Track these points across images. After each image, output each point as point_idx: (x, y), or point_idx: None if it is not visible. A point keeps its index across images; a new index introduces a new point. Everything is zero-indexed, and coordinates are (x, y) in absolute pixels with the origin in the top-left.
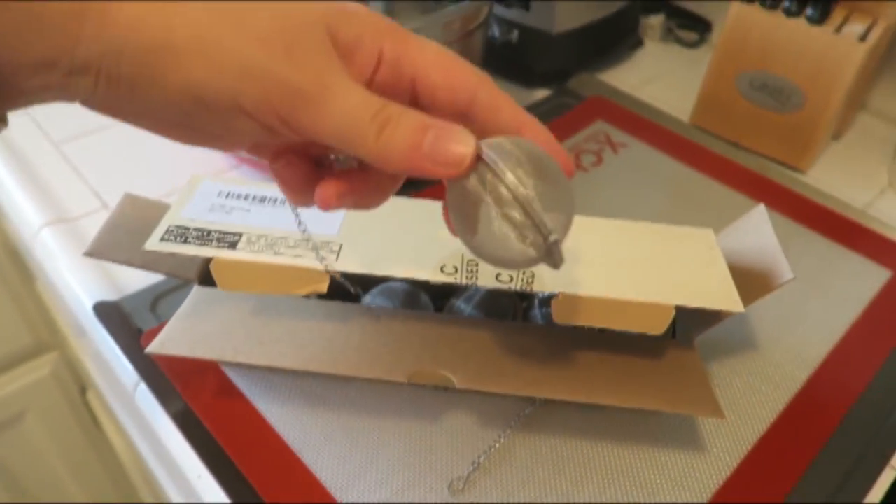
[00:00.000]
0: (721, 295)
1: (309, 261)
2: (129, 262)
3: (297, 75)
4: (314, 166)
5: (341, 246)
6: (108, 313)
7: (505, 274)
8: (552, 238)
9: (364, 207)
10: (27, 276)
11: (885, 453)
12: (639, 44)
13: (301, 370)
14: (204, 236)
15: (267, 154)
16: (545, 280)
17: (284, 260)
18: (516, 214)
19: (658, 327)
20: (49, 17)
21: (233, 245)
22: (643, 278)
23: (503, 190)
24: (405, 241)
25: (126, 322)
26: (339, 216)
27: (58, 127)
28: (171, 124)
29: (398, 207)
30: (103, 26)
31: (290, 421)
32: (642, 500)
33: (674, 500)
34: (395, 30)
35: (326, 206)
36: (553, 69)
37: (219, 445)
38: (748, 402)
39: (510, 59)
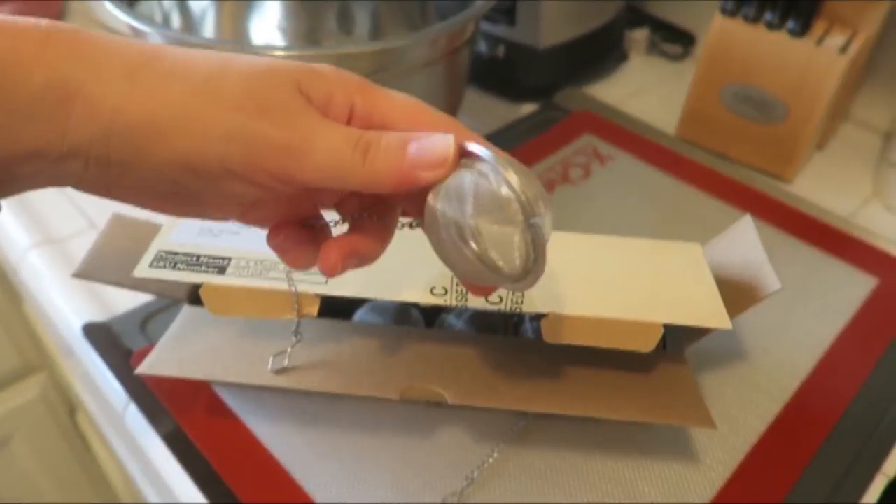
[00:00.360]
0: (708, 311)
1: (299, 286)
2: (118, 283)
3: (277, 130)
4: (310, 233)
5: None
6: (98, 334)
7: (495, 295)
8: (535, 220)
9: (366, 262)
10: (14, 297)
11: (877, 459)
12: (624, 58)
13: (292, 389)
14: (193, 261)
15: (258, 221)
16: (535, 300)
17: (274, 285)
18: (491, 226)
19: (647, 345)
20: (38, 109)
21: (222, 270)
22: (631, 296)
23: (484, 193)
24: (394, 262)
25: (115, 343)
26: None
27: None
28: (164, 196)
29: None
30: (89, 114)
31: (282, 440)
32: None
33: None
34: (364, 84)
35: (332, 272)
36: (539, 84)
37: (210, 466)
38: (739, 412)
39: (497, 74)
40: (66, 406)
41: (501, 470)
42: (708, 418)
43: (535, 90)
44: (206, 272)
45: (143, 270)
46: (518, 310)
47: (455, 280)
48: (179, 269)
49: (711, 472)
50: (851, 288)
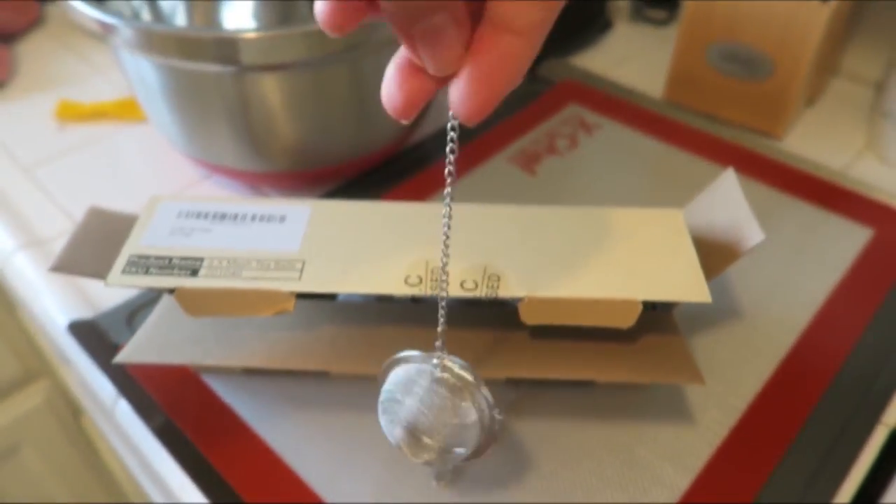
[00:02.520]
0: (688, 284)
1: (273, 283)
2: (97, 275)
3: None
4: None
5: (304, 263)
6: (84, 331)
7: (469, 281)
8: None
9: None
10: (8, 304)
11: (877, 410)
12: (608, 26)
13: (275, 368)
14: (165, 264)
15: None
16: (510, 285)
17: (248, 284)
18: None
19: (626, 321)
20: None
21: (195, 272)
22: (609, 272)
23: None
24: (368, 250)
25: (102, 339)
26: (300, 231)
27: (26, 151)
28: None
29: (359, 214)
30: None
31: (271, 424)
32: (634, 475)
33: (665, 472)
34: None
35: None
36: None
37: (202, 456)
38: (735, 372)
39: None
40: (70, 409)
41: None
42: (697, 374)
43: None
44: (179, 275)
45: (115, 278)
46: (494, 296)
47: (430, 267)
48: (152, 273)
49: (708, 433)
50: (847, 241)
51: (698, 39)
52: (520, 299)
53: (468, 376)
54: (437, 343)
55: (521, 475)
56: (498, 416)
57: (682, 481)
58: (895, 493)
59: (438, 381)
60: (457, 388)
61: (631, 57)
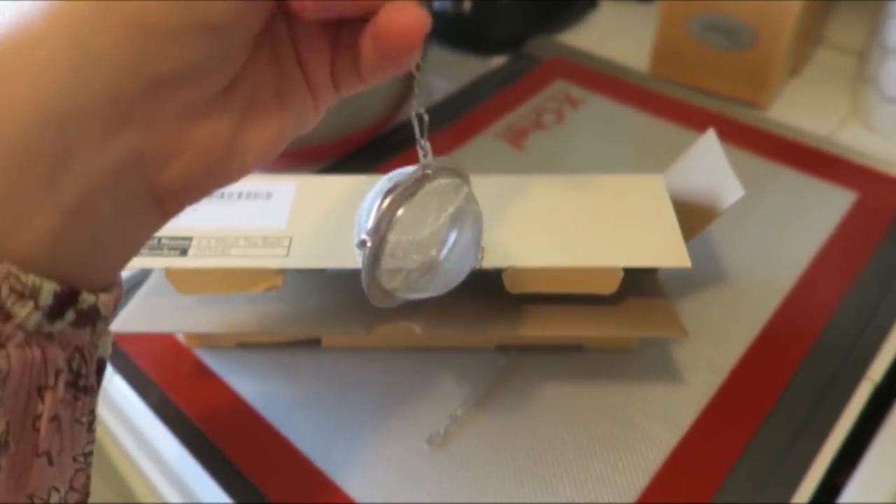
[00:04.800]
0: (668, 250)
1: (261, 260)
2: None
3: None
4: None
5: (291, 239)
6: None
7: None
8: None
9: None
10: None
11: (861, 366)
12: (593, 3)
13: (266, 336)
14: (154, 244)
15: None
16: (495, 254)
17: (237, 262)
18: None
19: (608, 288)
20: None
21: (184, 251)
22: (590, 240)
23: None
24: (355, 225)
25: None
26: (287, 207)
27: None
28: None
29: (344, 188)
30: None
31: (264, 394)
32: (624, 434)
33: (654, 430)
34: None
35: None
36: (508, 36)
37: (199, 429)
38: (722, 333)
39: (464, 30)
40: None
41: (485, 407)
42: (680, 328)
43: (504, 42)
44: (169, 254)
45: None
46: (478, 267)
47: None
48: (142, 254)
49: (696, 392)
50: (831, 204)
51: (680, 12)
52: (503, 270)
53: (451, 177)
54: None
55: (512, 437)
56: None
57: (672, 438)
58: (879, 446)
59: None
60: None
61: (616, 32)
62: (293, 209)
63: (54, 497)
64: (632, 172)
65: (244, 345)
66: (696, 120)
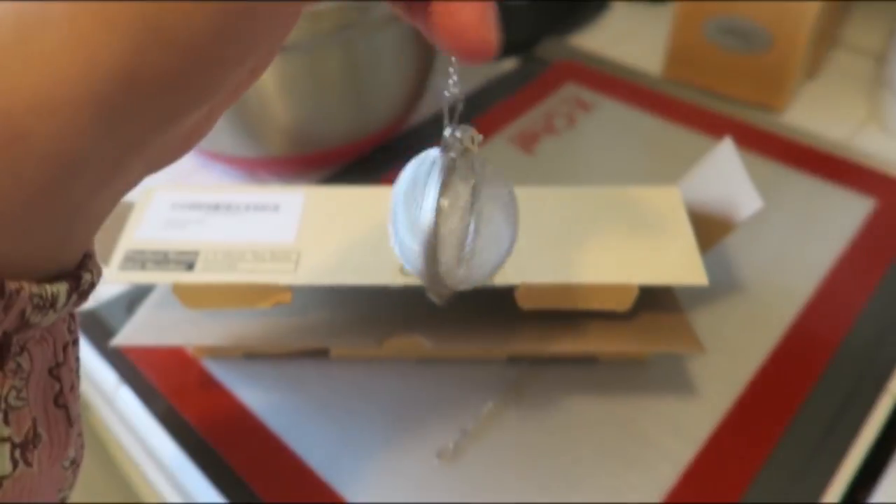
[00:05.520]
0: (685, 267)
1: (269, 275)
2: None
3: None
4: None
5: (299, 254)
6: (86, 321)
7: None
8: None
9: None
10: None
11: (882, 378)
12: (604, 4)
13: (273, 348)
14: (161, 259)
15: None
16: (507, 270)
17: (244, 277)
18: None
19: (622, 305)
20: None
21: (191, 266)
22: (605, 255)
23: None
24: (363, 239)
25: (103, 327)
26: (295, 219)
27: None
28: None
29: (352, 200)
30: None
31: (272, 407)
32: (638, 449)
33: (668, 445)
34: None
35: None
36: (519, 38)
37: (204, 440)
38: (739, 345)
39: None
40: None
41: (496, 420)
42: (697, 344)
43: (515, 45)
44: (176, 269)
45: (113, 274)
46: (489, 283)
47: None
48: (148, 268)
49: (711, 406)
50: (849, 212)
51: (695, 14)
52: (516, 286)
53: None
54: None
55: (523, 452)
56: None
57: (686, 453)
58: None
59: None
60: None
61: (629, 35)
62: (301, 222)
63: (70, 452)
64: (645, 179)
65: (251, 355)
66: (710, 124)
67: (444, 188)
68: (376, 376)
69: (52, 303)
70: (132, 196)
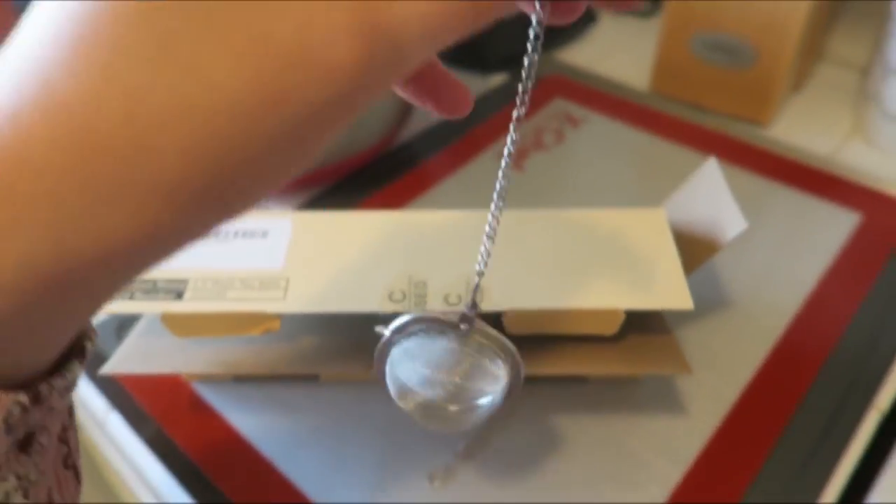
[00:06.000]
0: (671, 291)
1: (258, 304)
2: None
3: None
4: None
5: (288, 281)
6: None
7: (453, 294)
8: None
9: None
10: None
11: (868, 395)
12: (592, 19)
13: (262, 374)
14: (150, 288)
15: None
16: (494, 296)
17: (233, 306)
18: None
19: (609, 329)
20: None
21: (179, 294)
22: (592, 280)
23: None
24: (351, 265)
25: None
26: (283, 246)
27: None
28: None
29: (339, 225)
30: None
31: (263, 431)
32: (628, 468)
33: (658, 464)
34: None
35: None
36: (507, 53)
37: (195, 465)
38: (727, 361)
39: (463, 48)
40: None
41: (488, 441)
42: (683, 364)
43: (503, 60)
44: (165, 298)
45: None
46: (478, 310)
47: (413, 282)
48: (137, 298)
49: (700, 423)
50: (835, 226)
51: (681, 30)
52: (503, 312)
53: (496, 334)
54: (467, 302)
55: (515, 473)
56: (521, 371)
57: (675, 473)
58: (888, 478)
59: (464, 342)
60: (484, 348)
61: (617, 49)
62: (289, 248)
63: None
64: (633, 194)
65: (241, 378)
66: (697, 139)
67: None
68: (367, 399)
69: (69, 387)
70: None
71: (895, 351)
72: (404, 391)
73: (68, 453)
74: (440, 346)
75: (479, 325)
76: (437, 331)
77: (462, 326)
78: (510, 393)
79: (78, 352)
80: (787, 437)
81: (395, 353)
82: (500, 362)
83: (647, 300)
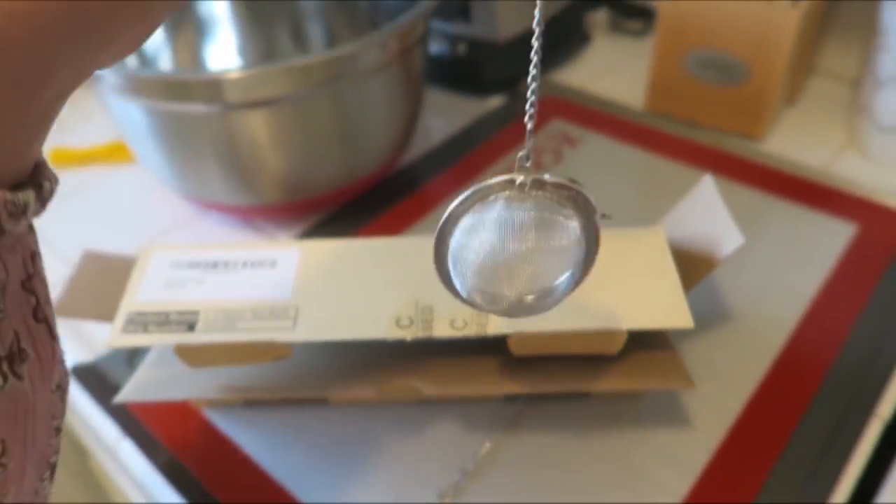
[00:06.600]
0: (671, 310)
1: (269, 333)
2: (96, 318)
3: None
4: None
5: (297, 310)
6: (86, 374)
7: (459, 319)
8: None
9: None
10: None
11: (870, 403)
12: (586, 40)
13: (272, 398)
14: (162, 320)
15: None
16: (498, 321)
17: (245, 336)
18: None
19: (612, 349)
20: None
21: (191, 326)
22: (594, 301)
23: None
24: (359, 292)
25: (103, 381)
26: (291, 275)
27: None
28: None
29: (346, 253)
30: None
31: (274, 454)
32: (634, 482)
33: (664, 477)
34: None
35: None
36: (504, 76)
37: (206, 489)
38: (729, 374)
39: (461, 71)
40: (77, 453)
41: (495, 459)
42: (686, 379)
43: (500, 83)
44: (177, 330)
45: (116, 339)
46: (484, 334)
47: (419, 306)
48: (150, 331)
49: (705, 436)
50: (832, 237)
51: (674, 48)
52: (509, 335)
53: (564, 181)
54: (522, 154)
55: (522, 490)
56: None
57: (682, 485)
58: (893, 484)
59: (525, 202)
60: (552, 203)
61: (612, 69)
62: (298, 277)
63: (55, 376)
64: (632, 212)
65: (252, 402)
66: (693, 155)
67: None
68: (376, 420)
69: (23, 210)
70: (133, 248)
71: (895, 359)
72: (475, 285)
73: (37, 305)
74: (500, 209)
75: (537, 176)
76: (494, 194)
77: (520, 180)
78: (589, 243)
79: (33, 185)
80: (791, 448)
81: (456, 238)
82: (568, 210)
83: (649, 320)
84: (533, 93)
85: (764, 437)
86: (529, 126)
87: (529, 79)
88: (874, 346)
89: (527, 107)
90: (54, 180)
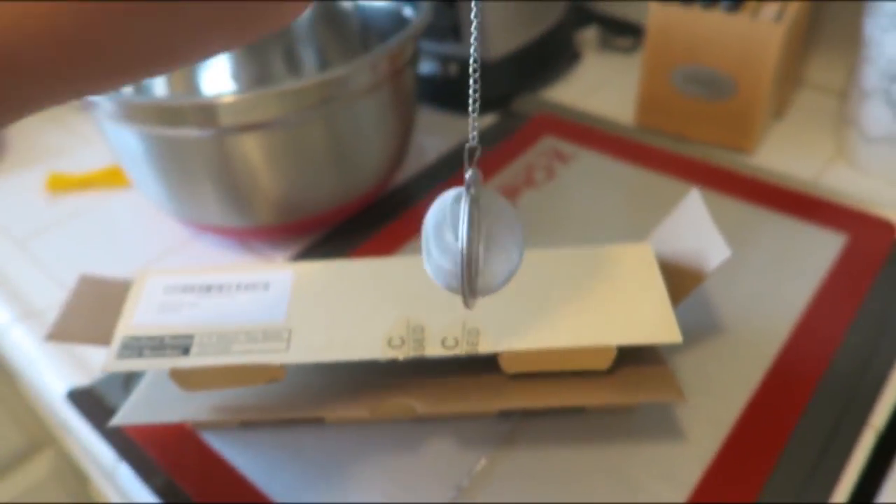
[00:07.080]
0: (659, 325)
1: (262, 356)
2: (92, 342)
3: None
4: None
5: (290, 332)
6: (82, 398)
7: (450, 338)
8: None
9: None
10: (8, 376)
11: (863, 413)
12: (576, 57)
13: (269, 419)
14: (157, 344)
15: None
16: (489, 339)
17: (238, 359)
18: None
19: (602, 365)
20: None
21: (186, 350)
22: (583, 317)
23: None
24: (351, 313)
25: (100, 404)
26: (285, 298)
27: (20, 224)
28: None
29: (338, 274)
30: None
31: (271, 476)
32: (629, 496)
33: (659, 491)
34: None
35: None
36: (495, 95)
37: None
38: (722, 385)
39: (452, 91)
40: (76, 477)
41: (491, 475)
42: (677, 392)
43: (492, 101)
44: (172, 354)
45: (111, 364)
46: (475, 352)
47: (411, 326)
48: (145, 356)
49: (699, 448)
50: (822, 248)
51: (662, 64)
52: (499, 353)
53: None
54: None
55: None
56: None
57: (677, 498)
58: (887, 494)
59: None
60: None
61: (602, 85)
62: (291, 300)
63: None
64: (624, 227)
65: (248, 423)
66: (683, 170)
67: (472, 218)
68: (372, 438)
69: None
70: (129, 272)
71: (888, 369)
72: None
73: None
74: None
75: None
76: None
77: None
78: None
79: None
80: (785, 459)
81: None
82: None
83: (638, 335)
84: (476, 83)
85: (758, 448)
86: (474, 116)
87: (471, 60)
88: (866, 356)
89: (470, 92)
90: None
